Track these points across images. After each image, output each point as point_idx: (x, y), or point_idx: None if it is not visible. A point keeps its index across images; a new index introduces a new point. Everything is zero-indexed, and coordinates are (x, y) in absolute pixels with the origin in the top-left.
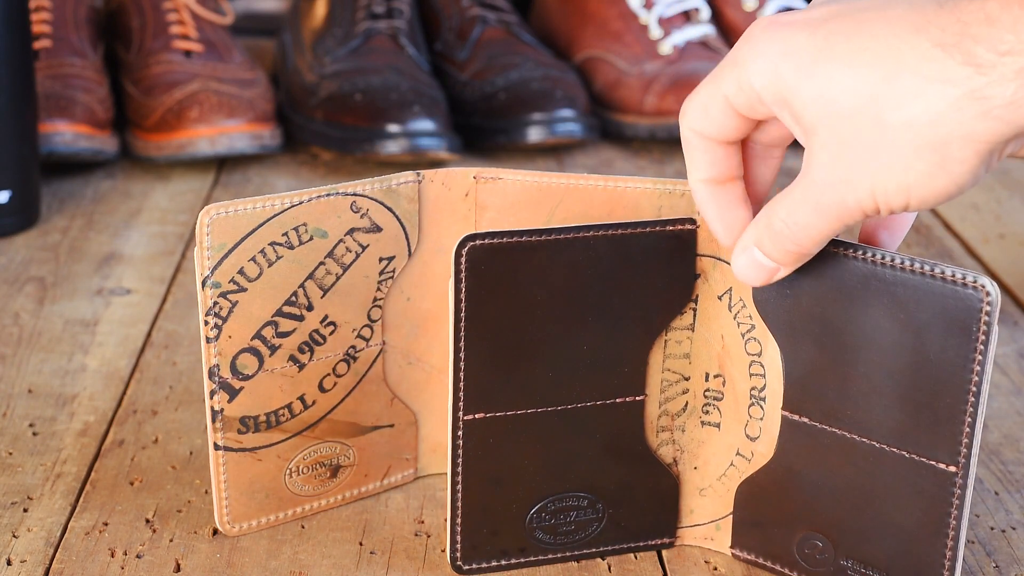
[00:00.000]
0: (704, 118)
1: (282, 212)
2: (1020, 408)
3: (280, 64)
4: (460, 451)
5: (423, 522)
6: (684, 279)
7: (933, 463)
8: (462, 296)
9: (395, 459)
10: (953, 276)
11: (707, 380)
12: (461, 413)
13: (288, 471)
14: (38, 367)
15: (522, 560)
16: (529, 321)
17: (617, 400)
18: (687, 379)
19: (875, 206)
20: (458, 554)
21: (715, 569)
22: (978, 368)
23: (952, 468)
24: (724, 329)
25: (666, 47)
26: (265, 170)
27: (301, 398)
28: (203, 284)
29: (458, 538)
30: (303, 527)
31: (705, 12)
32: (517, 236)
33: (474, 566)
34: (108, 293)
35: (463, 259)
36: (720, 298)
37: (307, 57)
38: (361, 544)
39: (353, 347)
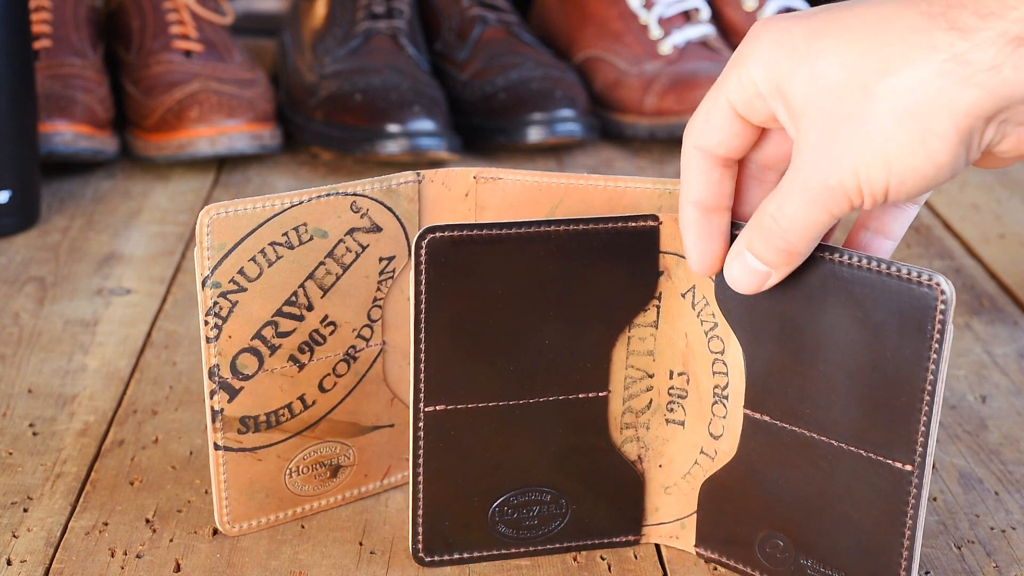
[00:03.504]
0: (706, 127)
1: (282, 212)
2: (1020, 408)
3: (280, 64)
4: (420, 443)
5: None
6: (646, 276)
7: (889, 462)
8: (422, 288)
9: (395, 459)
10: (909, 274)
11: (671, 378)
12: (422, 405)
13: (288, 471)
14: (38, 367)
15: (485, 553)
16: (490, 314)
17: (580, 396)
18: (651, 376)
19: (858, 186)
20: (419, 546)
21: (715, 569)
22: (932, 367)
23: (908, 467)
24: (688, 327)
25: (666, 47)
26: (265, 170)
27: (301, 398)
28: (203, 284)
29: (419, 530)
30: (303, 527)
31: (705, 12)
32: (477, 229)
33: (436, 558)
34: (108, 293)
35: (423, 251)
36: (684, 295)
37: (307, 57)
38: (361, 544)
39: (353, 347)
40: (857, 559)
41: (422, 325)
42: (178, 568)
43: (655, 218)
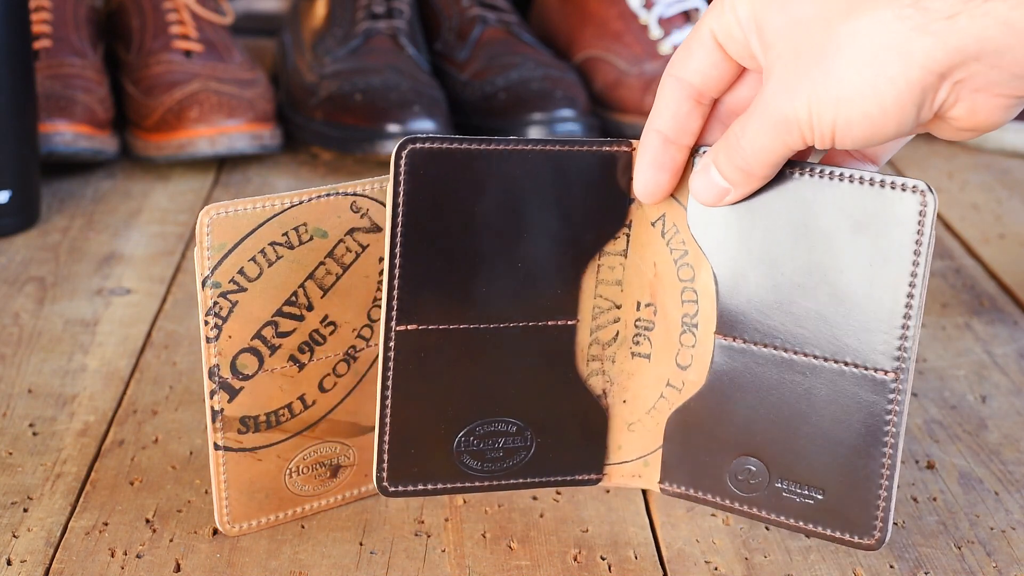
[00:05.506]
0: (686, 55)
1: (282, 212)
2: (1020, 408)
3: (280, 64)
4: (390, 364)
5: (423, 522)
6: (618, 200)
7: (869, 371)
8: (399, 200)
9: None
10: (892, 183)
11: (638, 309)
12: (393, 323)
13: (288, 471)
14: (38, 367)
15: (449, 486)
16: (465, 232)
17: (549, 323)
18: (619, 307)
19: (809, 121)
20: (384, 474)
21: (715, 569)
22: (915, 270)
23: (889, 375)
24: (657, 256)
25: (666, 47)
26: (265, 170)
27: (301, 398)
28: (203, 284)
29: (385, 457)
30: (303, 527)
31: None
32: (457, 143)
33: (400, 488)
34: (108, 293)
35: (403, 161)
36: (654, 224)
37: (307, 57)
38: (361, 544)
39: (353, 347)
40: (836, 475)
41: (398, 239)
42: (178, 568)
43: (629, 143)
